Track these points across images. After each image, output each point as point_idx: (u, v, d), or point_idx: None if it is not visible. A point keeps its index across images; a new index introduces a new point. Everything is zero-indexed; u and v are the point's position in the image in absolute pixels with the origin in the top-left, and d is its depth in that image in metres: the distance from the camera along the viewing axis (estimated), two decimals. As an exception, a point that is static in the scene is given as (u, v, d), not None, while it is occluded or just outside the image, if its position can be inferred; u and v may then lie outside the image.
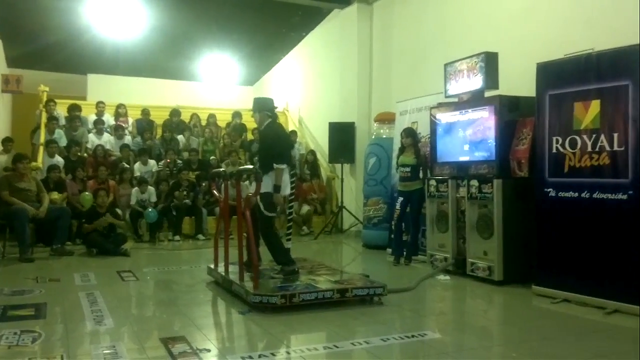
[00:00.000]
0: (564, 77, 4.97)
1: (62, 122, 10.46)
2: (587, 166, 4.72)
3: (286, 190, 5.34)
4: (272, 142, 5.34)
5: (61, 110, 10.67)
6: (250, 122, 11.91)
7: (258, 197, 5.08)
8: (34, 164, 8.60)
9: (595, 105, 4.69)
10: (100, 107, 10.78)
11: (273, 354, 3.49)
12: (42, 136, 9.75)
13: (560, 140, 4.94)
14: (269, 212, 5.19)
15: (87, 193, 8.38)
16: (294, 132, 11.07)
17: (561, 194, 4.91)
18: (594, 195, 4.64)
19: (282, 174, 5.17)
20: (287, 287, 4.67)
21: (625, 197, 4.42)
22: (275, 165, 5.12)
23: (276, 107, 5.61)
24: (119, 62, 12.19)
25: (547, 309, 4.67)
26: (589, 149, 4.71)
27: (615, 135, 4.52)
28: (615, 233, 4.49)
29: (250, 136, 11.63)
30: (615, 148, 4.52)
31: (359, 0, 9.84)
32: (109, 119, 10.94)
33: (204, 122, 11.68)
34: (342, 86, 10.31)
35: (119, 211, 8.40)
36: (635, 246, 4.34)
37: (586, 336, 3.93)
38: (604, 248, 4.56)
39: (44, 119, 10.19)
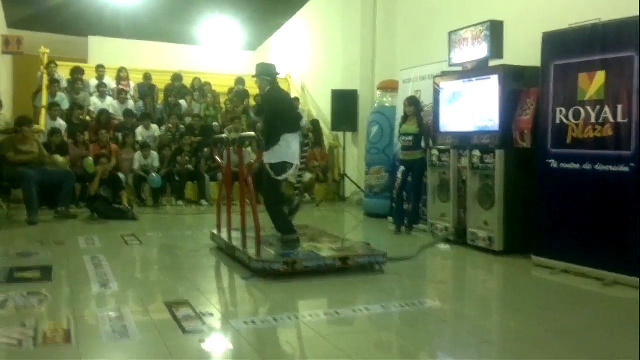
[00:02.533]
0: (569, 47, 4.92)
1: (64, 84, 10.41)
2: (590, 138, 4.71)
3: (295, 160, 5.14)
4: (276, 108, 5.18)
5: (62, 73, 10.60)
6: (252, 89, 11.84)
7: (267, 164, 5.00)
8: (36, 127, 8.60)
9: (600, 77, 4.66)
10: (100, 71, 10.69)
11: (275, 320, 3.56)
12: (44, 99, 9.73)
13: (564, 111, 4.92)
14: (276, 175, 5.03)
15: (90, 158, 8.40)
16: (296, 99, 11.01)
17: (563, 165, 4.92)
18: (596, 167, 4.65)
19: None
20: (290, 254, 4.73)
21: (627, 169, 4.43)
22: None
23: (278, 73, 5.39)
24: (120, 24, 12.05)
25: (546, 280, 4.74)
26: (593, 120, 4.70)
27: (620, 107, 4.50)
28: (615, 205, 4.52)
29: (252, 102, 11.57)
30: (619, 120, 4.50)
31: (363, -35, 9.67)
32: (110, 82, 10.88)
33: (205, 88, 11.61)
34: (346, 53, 10.21)
35: (121, 176, 8.44)
36: (635, 219, 4.38)
37: (584, 306, 4.01)
38: (604, 220, 4.59)
39: (45, 82, 10.15)
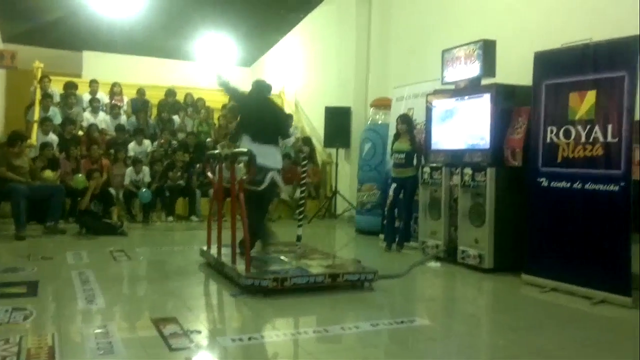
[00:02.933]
0: (560, 66, 4.96)
1: (57, 99, 10.39)
2: (581, 157, 4.73)
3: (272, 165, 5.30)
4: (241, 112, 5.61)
5: (56, 88, 10.59)
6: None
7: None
8: (28, 141, 8.57)
9: (590, 96, 4.69)
10: (93, 86, 10.69)
11: (263, 337, 3.52)
12: (37, 113, 9.70)
13: (555, 130, 4.95)
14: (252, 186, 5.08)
15: (80, 175, 8.35)
16: (290, 116, 11.03)
17: (554, 184, 4.93)
18: (586, 186, 4.66)
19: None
20: (279, 271, 4.69)
21: (617, 188, 4.44)
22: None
23: (269, 92, 5.77)
24: (116, 39, 12.08)
25: (535, 298, 4.72)
26: (583, 139, 4.72)
27: (610, 126, 4.53)
28: (605, 224, 4.52)
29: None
30: (609, 139, 4.53)
31: (358, -17, 9.77)
32: (103, 97, 10.87)
33: (198, 104, 11.60)
34: (339, 70, 10.27)
35: (112, 191, 8.39)
36: (623, 238, 4.38)
37: (572, 325, 3.98)
38: (593, 239, 4.59)
39: (38, 96, 10.13)
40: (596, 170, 4.61)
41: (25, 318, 3.74)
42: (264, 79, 5.93)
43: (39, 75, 10.71)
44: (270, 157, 5.27)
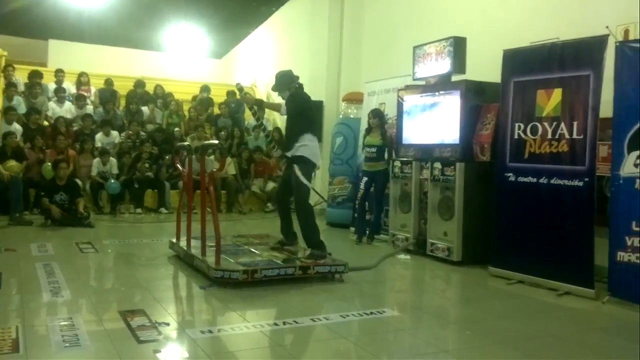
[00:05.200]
0: (528, 64, 5.05)
1: (21, 88, 10.12)
2: (547, 153, 4.83)
3: (318, 161, 5.12)
4: (302, 108, 5.13)
5: (20, 77, 10.31)
6: (217, 97, 11.79)
7: (295, 166, 4.91)
8: (-10, 131, 8.35)
9: (557, 94, 4.79)
10: (59, 76, 10.41)
11: (233, 329, 3.51)
12: (0, 103, 9.43)
13: (522, 127, 5.04)
14: (307, 180, 4.91)
15: (48, 163, 8.16)
16: (260, 101, 10.94)
17: (520, 178, 5.03)
18: (552, 181, 4.77)
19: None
20: (249, 263, 4.68)
21: (581, 184, 4.56)
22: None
23: (297, 77, 5.30)
24: (83, 28, 11.82)
25: (502, 290, 4.81)
26: (549, 136, 4.82)
27: (575, 123, 4.64)
28: (569, 218, 4.64)
29: (217, 110, 11.48)
30: (575, 136, 4.64)
31: (330, -23, 9.76)
32: (69, 87, 10.63)
33: (168, 97, 11.43)
34: (312, 64, 10.24)
35: (78, 182, 8.23)
36: (587, 232, 4.50)
37: (538, 317, 4.07)
38: (559, 233, 4.70)
39: (1, 85, 9.85)
40: (562, 166, 4.71)
41: (-13, 310, 3.65)
42: (289, 70, 5.45)
43: (3, 63, 10.40)
44: (318, 153, 5.15)
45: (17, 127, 8.78)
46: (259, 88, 12.41)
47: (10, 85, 9.63)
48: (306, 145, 4.96)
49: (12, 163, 7.76)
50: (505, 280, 4.98)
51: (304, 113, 5.12)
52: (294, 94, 5.18)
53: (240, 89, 6.03)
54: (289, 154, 5.05)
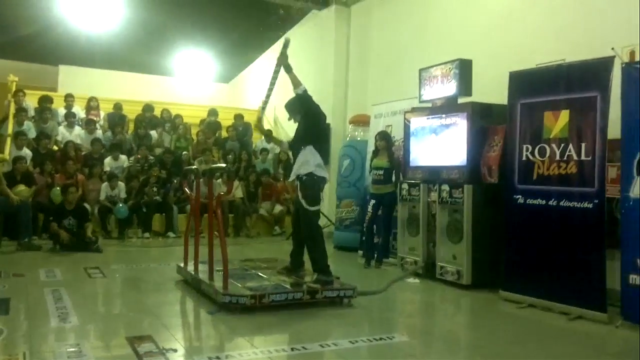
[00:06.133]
0: (535, 86, 5.06)
1: (32, 113, 10.23)
2: (555, 174, 4.81)
3: (326, 174, 5.04)
4: (315, 113, 5.13)
5: (30, 102, 10.44)
6: (225, 120, 11.87)
7: (298, 188, 4.86)
8: (0, 155, 8.41)
9: (564, 115, 4.79)
10: (69, 100, 10.53)
11: (240, 355, 3.47)
12: (10, 127, 9.53)
13: (530, 148, 5.03)
14: (312, 206, 4.84)
15: (57, 188, 8.20)
16: (269, 132, 11.03)
17: (529, 201, 5.00)
18: (561, 203, 4.74)
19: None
20: (257, 287, 4.65)
21: (590, 205, 4.52)
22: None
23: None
24: (92, 54, 12.01)
25: (513, 314, 4.75)
26: (558, 157, 4.80)
27: (583, 144, 4.62)
28: (580, 241, 4.59)
29: (224, 134, 11.54)
30: (583, 157, 4.62)
31: (337, 2, 9.88)
32: (79, 111, 10.74)
33: (176, 120, 11.52)
34: (318, 87, 10.27)
35: (87, 206, 8.26)
36: (598, 254, 4.45)
37: (550, 341, 4.01)
38: (569, 255, 4.65)
39: (12, 110, 9.96)
40: (571, 187, 4.69)
41: (-5, 336, 3.64)
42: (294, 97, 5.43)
43: (14, 88, 10.54)
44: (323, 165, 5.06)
45: (27, 152, 8.86)
46: (266, 112, 12.47)
47: (20, 110, 9.74)
48: (308, 162, 4.89)
49: (22, 188, 7.79)
50: (515, 304, 4.92)
51: (309, 113, 5.09)
52: (301, 96, 5.15)
53: (287, 43, 5.87)
54: (293, 175, 5.03)
